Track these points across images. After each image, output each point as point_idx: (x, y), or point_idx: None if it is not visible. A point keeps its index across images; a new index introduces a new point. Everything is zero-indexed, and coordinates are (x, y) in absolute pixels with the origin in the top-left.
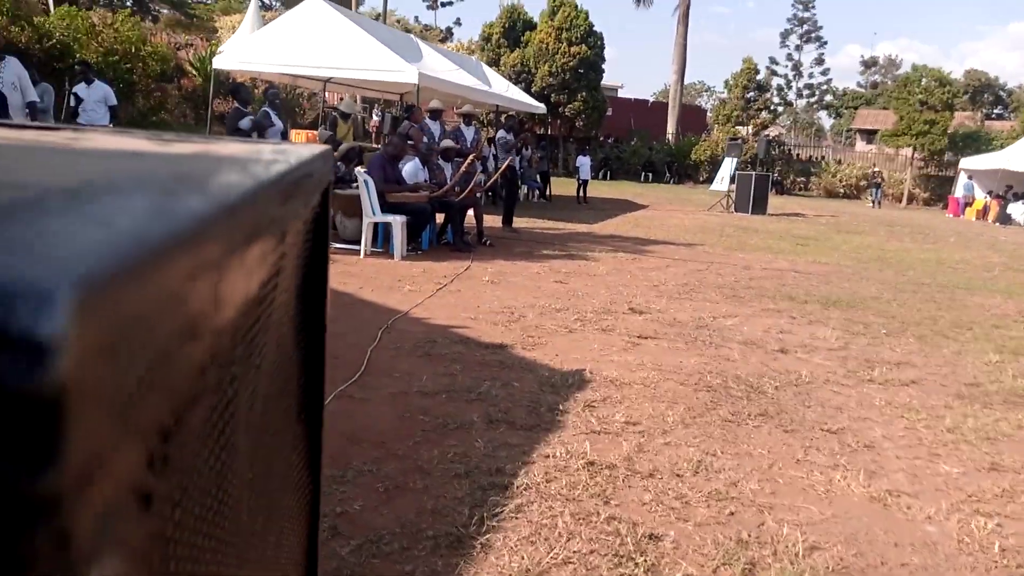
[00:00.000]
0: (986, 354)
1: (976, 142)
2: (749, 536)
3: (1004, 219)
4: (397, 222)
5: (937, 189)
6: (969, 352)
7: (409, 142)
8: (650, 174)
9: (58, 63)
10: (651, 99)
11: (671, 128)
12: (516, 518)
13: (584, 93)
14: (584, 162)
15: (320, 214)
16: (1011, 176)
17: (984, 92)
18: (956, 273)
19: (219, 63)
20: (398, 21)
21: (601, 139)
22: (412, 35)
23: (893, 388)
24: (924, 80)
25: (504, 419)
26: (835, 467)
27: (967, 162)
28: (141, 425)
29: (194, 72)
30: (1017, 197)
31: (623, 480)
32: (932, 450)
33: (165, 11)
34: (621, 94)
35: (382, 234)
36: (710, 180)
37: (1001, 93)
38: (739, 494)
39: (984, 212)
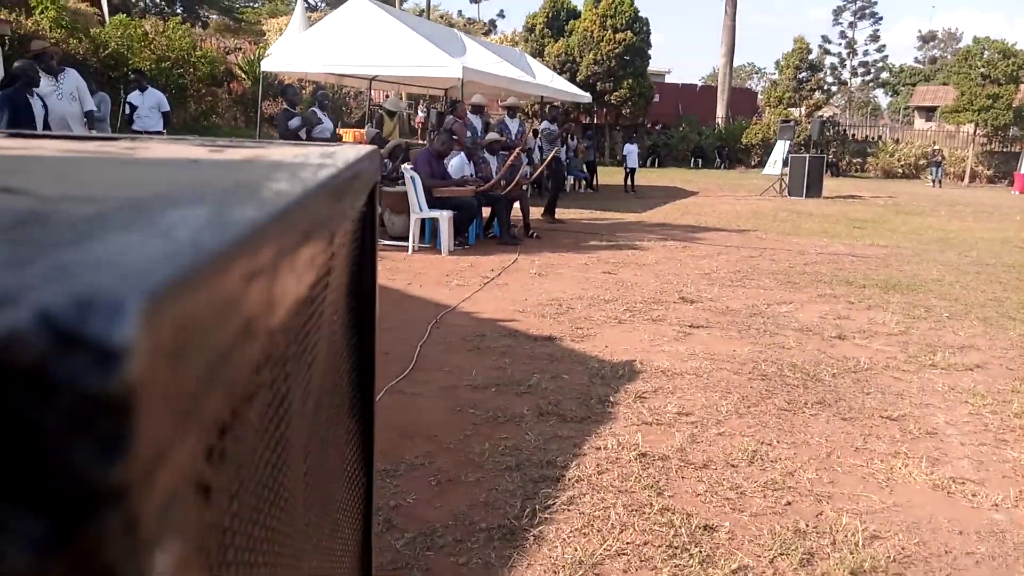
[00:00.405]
0: None
1: None
2: (807, 526)
3: None
4: (444, 217)
5: (1002, 166)
6: None
7: (453, 137)
8: (699, 160)
9: (113, 72)
10: (699, 83)
11: (720, 112)
12: (568, 510)
13: (630, 80)
14: (631, 150)
15: (367, 213)
16: None
17: None
18: (1022, 253)
19: (267, 65)
20: (441, 16)
21: (648, 126)
22: (455, 29)
23: (956, 373)
24: (986, 52)
25: (554, 411)
26: (896, 455)
27: None
28: (201, 421)
29: (243, 75)
30: None
31: (676, 471)
32: (999, 436)
33: (214, 16)
34: (668, 79)
35: (429, 229)
36: (762, 164)
37: None
38: (796, 483)
39: None
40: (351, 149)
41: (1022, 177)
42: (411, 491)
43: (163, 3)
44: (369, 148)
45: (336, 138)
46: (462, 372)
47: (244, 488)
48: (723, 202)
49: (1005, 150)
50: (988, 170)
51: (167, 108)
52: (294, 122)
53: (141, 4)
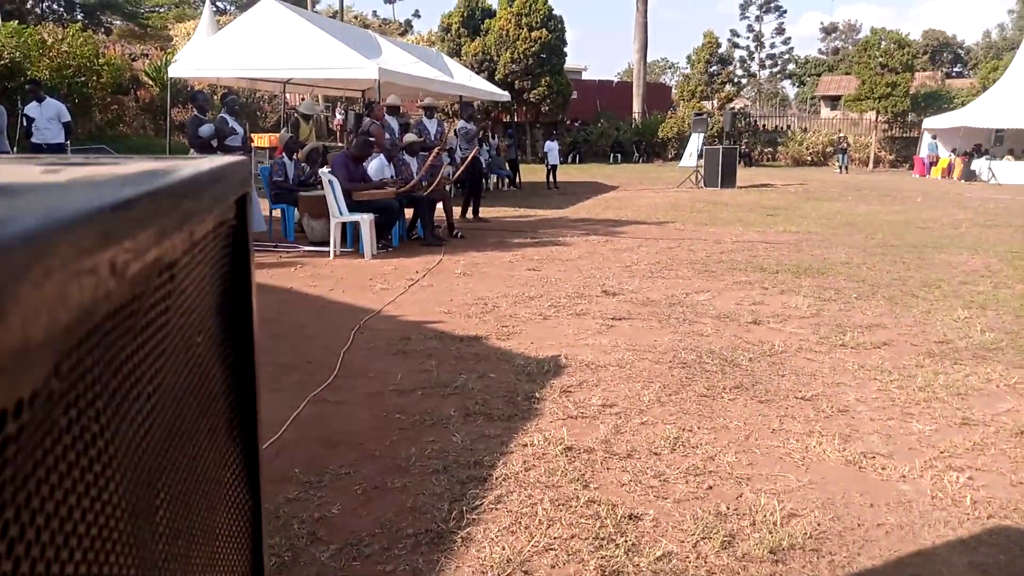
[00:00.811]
0: (955, 311)
1: (938, 101)
2: (728, 508)
3: (968, 176)
4: (365, 220)
5: (903, 150)
6: (938, 310)
7: (371, 139)
8: (619, 155)
9: (9, 82)
10: (616, 79)
11: (637, 107)
12: (496, 509)
13: (548, 78)
14: (552, 147)
15: (237, 222)
16: (972, 133)
17: (943, 51)
18: (924, 233)
19: (175, 71)
20: (355, 17)
21: (568, 123)
22: (370, 30)
23: (865, 351)
24: (883, 43)
25: (481, 411)
26: (810, 434)
27: (930, 122)
28: None
29: (150, 82)
30: (981, 154)
31: (601, 463)
32: (905, 410)
33: (117, 22)
34: (585, 76)
35: (351, 234)
36: (679, 157)
37: (959, 51)
38: (717, 467)
39: (949, 170)
40: (201, 162)
41: (921, 161)
42: (336, 501)
43: (61, 9)
44: (233, 160)
45: (248, 145)
46: (387, 377)
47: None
48: (643, 195)
49: (905, 135)
50: (890, 155)
51: (68, 118)
52: (205, 129)
53: (37, 11)
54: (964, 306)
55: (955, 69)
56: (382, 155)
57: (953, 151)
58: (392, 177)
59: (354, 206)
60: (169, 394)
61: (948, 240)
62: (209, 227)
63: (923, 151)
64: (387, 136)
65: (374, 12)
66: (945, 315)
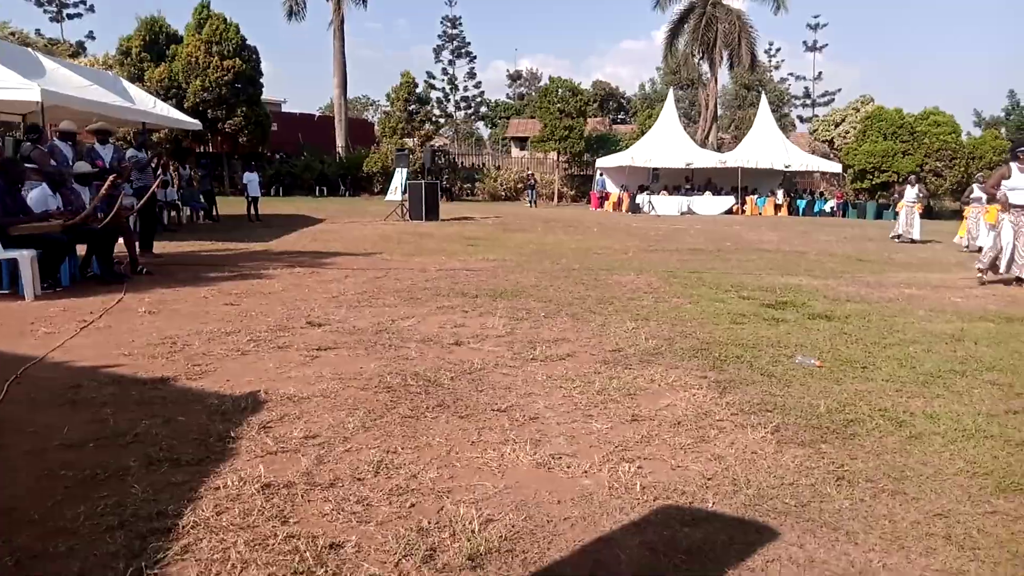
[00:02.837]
0: (625, 323)
1: (607, 144)
2: (429, 523)
3: (634, 208)
4: (25, 257)
5: (581, 187)
6: (612, 323)
7: (30, 166)
8: (324, 188)
9: None
10: (318, 113)
11: (340, 141)
12: (182, 560)
13: (244, 108)
14: (252, 178)
15: None
16: (636, 172)
17: (609, 100)
18: (599, 258)
19: None
20: (13, 34)
21: (269, 155)
22: (31, 49)
23: (552, 363)
24: (560, 91)
25: (167, 457)
26: (505, 442)
27: (601, 161)
28: None
29: None
30: (643, 189)
31: (302, 496)
32: (586, 412)
33: None
34: (286, 109)
35: (8, 273)
36: (384, 191)
37: (622, 100)
38: (419, 485)
39: (618, 204)
40: None
41: (596, 196)
42: None
43: None
44: None
45: None
46: (52, 431)
47: None
48: (350, 228)
49: (583, 173)
50: (571, 191)
51: None
52: None
53: None
54: (632, 318)
55: (619, 116)
56: (44, 184)
57: (621, 187)
58: (60, 208)
59: (11, 242)
60: None
61: (619, 263)
62: None
63: (596, 187)
64: (53, 162)
65: (37, 31)
66: (617, 327)
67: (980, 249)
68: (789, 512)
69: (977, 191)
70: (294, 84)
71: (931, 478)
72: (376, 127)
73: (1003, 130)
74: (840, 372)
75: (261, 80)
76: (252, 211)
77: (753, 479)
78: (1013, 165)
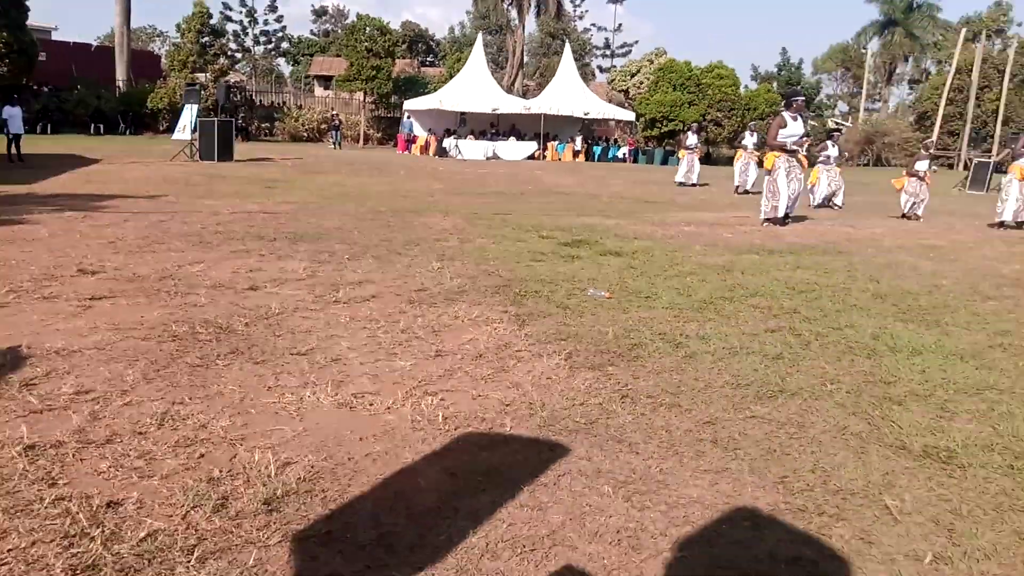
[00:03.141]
0: (430, 263)
1: (415, 86)
2: (221, 472)
3: (441, 152)
4: None
5: (388, 129)
6: (418, 264)
7: None
8: (101, 125)
9: None
10: (95, 43)
11: (121, 75)
12: None
13: (6, 33)
14: (14, 113)
15: None
16: (443, 115)
17: (418, 42)
18: (406, 200)
19: None
20: None
21: (35, 87)
22: None
23: (356, 305)
24: (368, 29)
25: None
26: (305, 385)
27: (409, 104)
28: None
29: None
30: (450, 134)
31: (74, 455)
32: (390, 351)
33: None
34: (56, 37)
35: None
36: (171, 129)
37: (432, 43)
38: (209, 435)
39: (426, 147)
40: None
41: (403, 139)
42: None
43: None
44: None
45: None
46: None
47: None
48: (131, 169)
49: (390, 115)
50: (378, 133)
51: None
52: None
53: None
54: (438, 259)
55: (428, 59)
56: None
57: (429, 130)
58: None
59: None
60: None
61: (425, 206)
62: None
63: (404, 130)
64: None
65: None
66: (423, 268)
67: (747, 192)
68: (579, 430)
69: (748, 139)
70: (68, 9)
71: (702, 391)
72: (164, 60)
73: (775, 84)
74: (627, 302)
75: (27, 3)
76: (13, 150)
77: (548, 402)
78: (786, 114)
